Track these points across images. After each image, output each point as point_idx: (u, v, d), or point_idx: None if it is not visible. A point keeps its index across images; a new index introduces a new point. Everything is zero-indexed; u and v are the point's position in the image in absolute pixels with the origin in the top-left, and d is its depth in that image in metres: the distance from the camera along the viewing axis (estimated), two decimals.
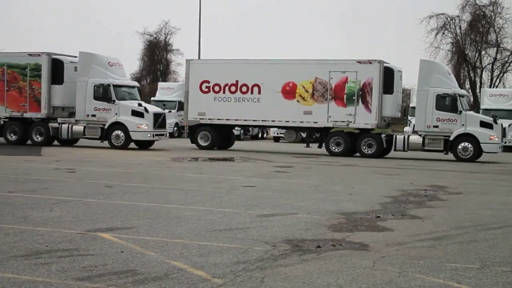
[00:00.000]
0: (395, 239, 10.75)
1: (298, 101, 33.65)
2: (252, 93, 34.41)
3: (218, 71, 35.56)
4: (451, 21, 71.40)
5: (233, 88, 34.90)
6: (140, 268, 8.37)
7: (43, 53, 34.96)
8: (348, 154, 33.00)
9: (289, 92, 33.76)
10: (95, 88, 33.65)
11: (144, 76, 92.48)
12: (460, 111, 31.60)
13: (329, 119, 33.19)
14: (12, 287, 7.39)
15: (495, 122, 31.90)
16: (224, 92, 35.08)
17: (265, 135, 59.68)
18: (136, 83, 35.90)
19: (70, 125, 34.65)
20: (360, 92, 32.68)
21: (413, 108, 38.85)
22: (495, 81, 70.70)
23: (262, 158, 29.81)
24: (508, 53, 70.88)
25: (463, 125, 31.53)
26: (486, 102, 47.52)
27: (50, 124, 34.96)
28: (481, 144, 31.49)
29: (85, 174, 20.31)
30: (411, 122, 43.78)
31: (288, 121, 34.45)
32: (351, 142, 33.12)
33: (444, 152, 32.12)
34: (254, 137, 56.66)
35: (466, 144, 31.55)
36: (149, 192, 16.08)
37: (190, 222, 11.79)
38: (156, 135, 34.03)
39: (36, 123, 35.36)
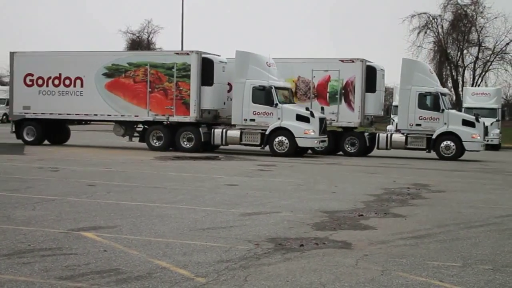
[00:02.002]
0: (378, 238, 10.80)
1: None
2: None
3: None
4: (433, 20, 71.71)
5: None
6: (123, 267, 8.36)
7: (192, 51, 32.27)
8: (331, 152, 33.02)
9: None
10: (255, 90, 30.80)
11: None
12: (443, 110, 31.69)
13: None
14: None
15: (477, 120, 32.01)
16: None
17: None
18: (290, 85, 32.73)
19: (224, 130, 31.73)
20: (343, 91, 32.68)
21: (396, 106, 38.94)
22: (477, 79, 71.05)
23: (245, 157, 29.81)
24: (490, 52, 71.26)
25: (445, 123, 31.63)
26: (468, 101, 47.69)
27: (200, 129, 31.93)
28: (463, 143, 31.60)
29: (68, 173, 20.24)
30: (394, 120, 43.90)
31: None
32: (334, 141, 33.13)
33: (427, 150, 32.23)
34: None
35: (449, 142, 31.66)
36: (132, 191, 16.05)
37: (173, 221, 11.79)
38: (321, 141, 31.43)
39: (184, 127, 32.26)
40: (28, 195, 14.64)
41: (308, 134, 30.46)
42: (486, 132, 34.78)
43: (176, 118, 32.23)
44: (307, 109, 30.83)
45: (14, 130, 35.08)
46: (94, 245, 9.62)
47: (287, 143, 30.62)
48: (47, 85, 33.98)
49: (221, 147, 33.64)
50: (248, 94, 31.04)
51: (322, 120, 31.04)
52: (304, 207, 14.13)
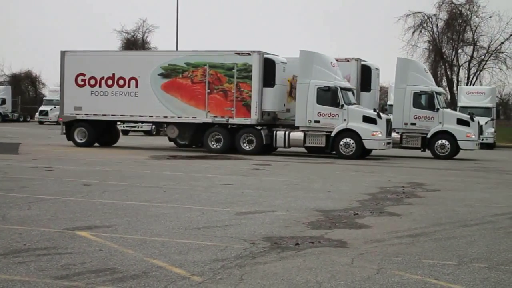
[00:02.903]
0: (373, 236, 10.80)
1: None
2: None
3: None
4: (428, 20, 71.81)
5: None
6: (118, 266, 8.35)
7: (253, 51, 31.24)
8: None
9: None
10: (319, 91, 30.14)
11: None
12: (437, 109, 31.77)
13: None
14: None
15: (472, 119, 32.09)
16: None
17: None
18: (353, 86, 32.00)
19: (287, 132, 30.96)
20: None
21: (391, 105, 38.98)
22: (472, 79, 71.18)
23: (240, 156, 29.80)
24: (484, 51, 71.40)
25: (440, 122, 31.70)
26: (463, 100, 47.83)
27: (262, 131, 31.22)
28: (458, 142, 31.69)
29: (63, 172, 20.21)
30: None
31: None
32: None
33: (422, 149, 32.29)
34: None
35: (444, 141, 31.73)
36: (128, 190, 16.03)
37: (168, 220, 11.78)
38: (387, 143, 30.79)
39: (245, 130, 31.43)
40: (23, 195, 14.61)
41: (375, 136, 29.78)
42: (481, 131, 34.87)
43: (236, 120, 31.49)
44: (374, 110, 30.32)
45: (64, 131, 34.36)
46: (89, 244, 9.61)
47: (353, 146, 29.95)
48: (100, 86, 33.23)
49: (279, 149, 33.09)
50: (313, 95, 30.26)
51: (388, 121, 30.50)
52: (300, 206, 14.13)
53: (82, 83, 33.50)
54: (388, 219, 12.79)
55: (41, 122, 70.64)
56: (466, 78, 71.62)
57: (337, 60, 32.40)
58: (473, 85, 66.55)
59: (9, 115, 76.39)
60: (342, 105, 29.90)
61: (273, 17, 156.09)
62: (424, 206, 14.72)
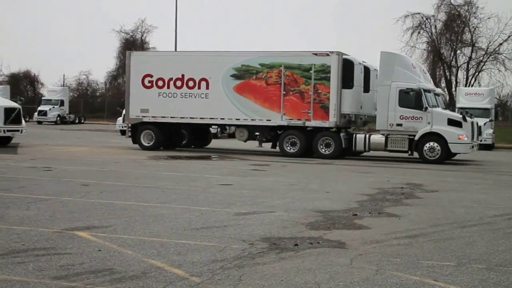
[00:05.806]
0: (372, 237, 10.81)
1: None
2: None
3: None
4: (426, 21, 72.01)
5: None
6: (117, 266, 8.35)
7: (332, 52, 30.30)
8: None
9: None
10: (402, 93, 29.55)
11: (120, 74, 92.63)
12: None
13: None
14: None
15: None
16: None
17: None
18: (435, 87, 31.14)
19: (368, 136, 30.33)
20: None
21: None
22: (471, 80, 71.32)
23: (238, 157, 29.79)
24: (483, 53, 71.54)
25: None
26: (461, 101, 47.84)
27: (341, 134, 30.40)
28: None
29: (61, 172, 20.19)
30: None
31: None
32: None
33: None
34: (231, 135, 56.51)
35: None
36: (126, 191, 16.03)
37: (167, 221, 11.78)
38: (472, 147, 30.09)
39: (322, 133, 30.60)
40: (22, 195, 14.60)
41: (462, 140, 29.10)
42: (479, 132, 34.80)
43: (313, 123, 30.68)
44: (460, 113, 29.80)
45: (130, 135, 33.66)
46: (88, 244, 9.60)
47: (438, 150, 29.34)
48: (168, 87, 32.39)
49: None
50: (394, 98, 29.63)
51: (473, 124, 29.94)
52: (298, 206, 14.14)
53: (149, 84, 32.69)
54: (386, 220, 12.80)
55: (39, 122, 70.61)
56: (464, 79, 71.84)
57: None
58: (471, 86, 66.66)
59: None
60: (426, 108, 29.34)
61: (271, 17, 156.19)
62: (422, 207, 14.73)
